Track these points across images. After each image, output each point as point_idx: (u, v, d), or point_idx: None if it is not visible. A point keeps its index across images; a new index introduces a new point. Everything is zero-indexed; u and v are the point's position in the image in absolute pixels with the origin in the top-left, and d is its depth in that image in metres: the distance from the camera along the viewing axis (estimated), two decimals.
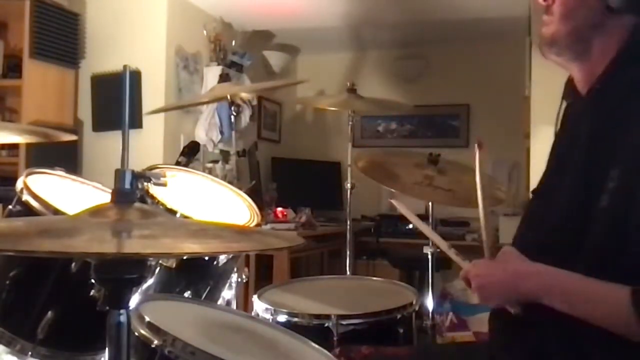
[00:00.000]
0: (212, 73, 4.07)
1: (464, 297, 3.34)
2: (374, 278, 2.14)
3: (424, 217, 5.30)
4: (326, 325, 1.61)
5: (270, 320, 1.64)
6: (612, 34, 1.08)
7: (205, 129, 3.94)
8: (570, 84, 1.20)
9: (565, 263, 1.02)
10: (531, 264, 1.08)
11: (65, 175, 1.65)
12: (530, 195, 1.30)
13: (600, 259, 0.99)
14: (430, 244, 2.45)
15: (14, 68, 3.45)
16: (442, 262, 3.99)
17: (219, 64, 4.11)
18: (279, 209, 4.14)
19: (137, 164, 0.93)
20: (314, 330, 1.61)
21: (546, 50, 1.16)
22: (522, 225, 1.26)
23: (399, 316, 1.70)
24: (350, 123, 2.98)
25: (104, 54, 3.77)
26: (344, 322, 1.62)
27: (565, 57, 1.15)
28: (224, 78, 3.99)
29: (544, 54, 1.17)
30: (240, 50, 4.27)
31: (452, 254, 1.31)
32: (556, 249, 1.07)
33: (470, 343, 2.03)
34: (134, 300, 1.10)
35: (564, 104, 1.23)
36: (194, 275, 1.61)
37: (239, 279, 1.95)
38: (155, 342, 1.00)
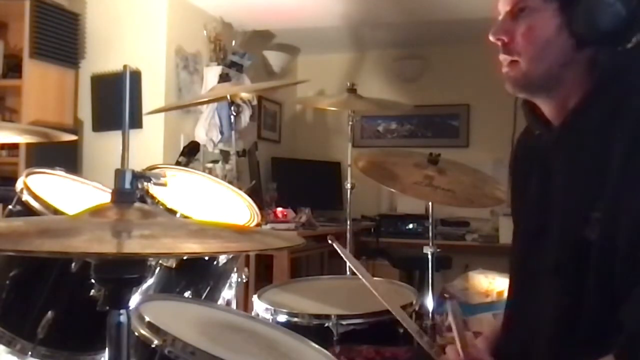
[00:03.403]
0: (212, 73, 4.07)
1: (464, 297, 3.34)
2: (374, 278, 2.13)
3: (424, 217, 5.27)
4: (326, 325, 1.61)
5: (270, 320, 1.64)
6: (579, 67, 1.06)
7: (205, 129, 3.94)
8: (532, 113, 1.17)
9: (575, 302, 1.00)
10: None
11: (65, 175, 1.65)
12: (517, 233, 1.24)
13: (603, 293, 0.97)
14: (431, 244, 2.45)
15: (14, 68, 3.45)
16: (442, 262, 4.01)
17: (219, 64, 4.11)
18: (279, 209, 4.14)
19: (137, 164, 0.93)
20: (314, 330, 1.61)
21: (517, 92, 1.13)
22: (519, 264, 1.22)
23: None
24: (350, 123, 2.98)
25: (104, 54, 3.77)
26: (344, 322, 1.62)
27: (537, 96, 1.13)
28: (224, 78, 4.01)
29: (512, 93, 1.15)
30: (240, 50, 4.27)
31: (418, 337, 1.23)
32: (563, 286, 1.04)
33: None
34: (134, 300, 1.11)
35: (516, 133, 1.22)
36: (194, 275, 1.61)
37: (239, 279, 1.95)
38: (155, 342, 1.00)
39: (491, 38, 1.13)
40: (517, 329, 1.18)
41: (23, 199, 1.39)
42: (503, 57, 1.13)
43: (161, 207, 1.50)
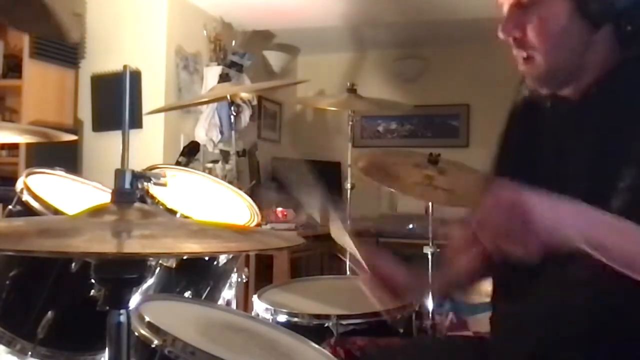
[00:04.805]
0: (212, 73, 4.07)
1: (464, 297, 3.34)
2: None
3: (424, 217, 5.28)
4: (326, 325, 1.61)
5: (270, 320, 1.64)
6: (599, 47, 1.01)
7: (205, 129, 3.94)
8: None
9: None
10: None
11: (65, 175, 1.65)
12: None
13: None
14: (431, 244, 2.45)
15: (14, 68, 3.45)
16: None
17: (219, 64, 4.11)
18: (279, 209, 4.14)
19: (137, 164, 0.93)
20: (314, 330, 1.61)
21: (541, 89, 1.07)
22: None
23: (398, 316, 1.70)
24: (350, 123, 2.98)
25: (104, 54, 3.77)
26: (344, 322, 1.62)
27: (564, 88, 1.07)
28: (224, 78, 4.00)
29: (535, 89, 1.09)
30: (240, 50, 4.27)
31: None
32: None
33: (465, 337, 1.98)
34: (134, 300, 1.11)
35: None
36: (194, 275, 1.62)
37: (239, 279, 1.95)
38: (155, 342, 1.00)
39: (501, 36, 1.05)
40: (516, 332, 1.09)
41: (23, 199, 1.39)
42: (517, 53, 1.06)
43: (161, 207, 1.50)
